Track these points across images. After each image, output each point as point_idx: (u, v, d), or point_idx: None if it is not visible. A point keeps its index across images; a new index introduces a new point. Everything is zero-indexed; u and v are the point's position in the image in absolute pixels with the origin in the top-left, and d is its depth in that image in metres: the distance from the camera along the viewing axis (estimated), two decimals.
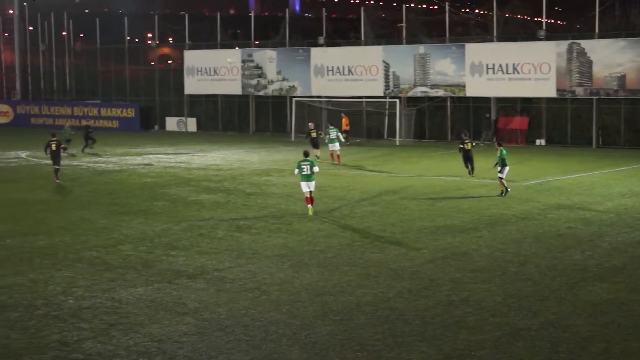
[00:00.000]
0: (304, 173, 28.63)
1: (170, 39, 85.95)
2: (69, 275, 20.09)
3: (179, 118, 70.87)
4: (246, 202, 31.57)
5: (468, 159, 38.14)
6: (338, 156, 44.33)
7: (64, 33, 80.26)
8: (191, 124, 69.80)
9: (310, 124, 49.34)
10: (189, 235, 24.98)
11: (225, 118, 69.23)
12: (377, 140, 58.53)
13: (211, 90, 68.78)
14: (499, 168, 32.08)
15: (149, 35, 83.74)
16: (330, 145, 44.44)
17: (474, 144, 39.83)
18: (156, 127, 71.84)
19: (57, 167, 37.41)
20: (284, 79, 64.48)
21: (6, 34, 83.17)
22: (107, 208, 30.24)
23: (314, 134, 46.72)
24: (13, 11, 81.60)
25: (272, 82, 65.11)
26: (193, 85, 69.37)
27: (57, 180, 37.08)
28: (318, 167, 29.68)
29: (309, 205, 28.68)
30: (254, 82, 66.11)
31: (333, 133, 44.61)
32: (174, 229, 25.97)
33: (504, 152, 32.04)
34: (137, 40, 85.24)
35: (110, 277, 19.88)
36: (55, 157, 37.39)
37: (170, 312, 17.02)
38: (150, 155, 49.37)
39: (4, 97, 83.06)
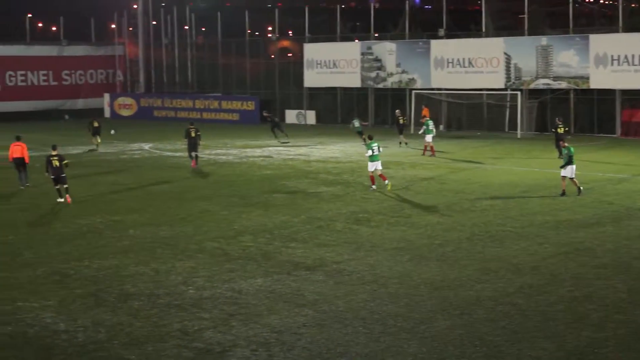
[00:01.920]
0: (374, 154, 31.97)
1: (290, 32, 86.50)
2: (190, 266, 20.42)
3: (298, 111, 71.22)
4: (365, 194, 31.53)
5: (559, 141, 39.41)
6: (432, 147, 44.18)
7: (186, 27, 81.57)
8: (310, 117, 70.08)
9: (397, 110, 52.37)
10: (307, 228, 25.09)
11: (344, 111, 69.28)
12: (497, 133, 57.72)
13: (330, 83, 68.90)
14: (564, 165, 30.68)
15: (269, 28, 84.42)
16: (427, 136, 44.34)
17: (566, 128, 42.98)
18: (276, 119, 72.34)
19: (195, 153, 40.07)
20: (403, 72, 64.11)
21: (130, 29, 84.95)
22: (227, 199, 30.61)
23: (401, 121, 49.64)
24: (137, 6, 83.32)
25: (391, 74, 64.82)
26: (312, 78, 69.62)
27: (195, 166, 39.79)
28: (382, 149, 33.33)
29: (386, 181, 32.02)
30: (373, 74, 65.94)
31: (431, 124, 44.77)
32: (293, 221, 26.13)
33: (572, 149, 30.55)
34: (257, 33, 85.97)
35: (230, 268, 20.12)
36: (193, 144, 40.04)
37: (289, 304, 17.13)
38: (270, 148, 49.76)
39: (128, 90, 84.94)
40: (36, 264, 20.82)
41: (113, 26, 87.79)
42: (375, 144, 32.25)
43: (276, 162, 42.22)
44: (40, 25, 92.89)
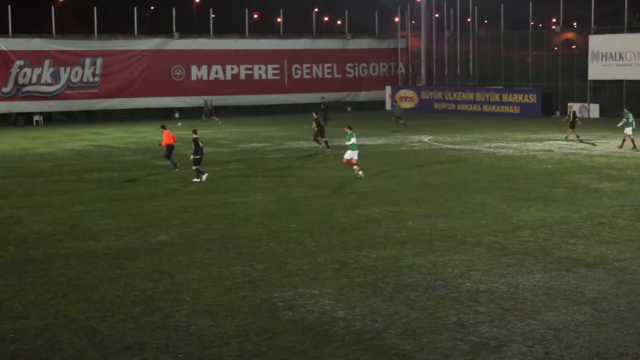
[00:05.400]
0: (353, 143, 34.84)
1: (574, 24, 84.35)
2: (467, 259, 20.36)
3: (581, 104, 69.43)
4: None
5: None
6: (632, 140, 43.81)
7: (469, 19, 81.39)
8: (594, 110, 68.12)
9: (570, 104, 53.38)
10: (588, 224, 24.41)
11: (630, 104, 66.75)
12: None
13: (616, 76, 66.67)
14: None
15: (553, 20, 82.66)
16: (626, 129, 44.11)
17: None
18: (557, 113, 70.86)
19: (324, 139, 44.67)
20: None
21: (413, 22, 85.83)
22: (506, 193, 30.30)
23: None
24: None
25: None
26: (597, 71, 67.61)
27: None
28: None
29: (355, 167, 34.80)
30: None
31: (631, 117, 44.58)
32: (573, 217, 25.50)
33: None
34: (540, 25, 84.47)
35: (508, 263, 19.90)
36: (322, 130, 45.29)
37: (567, 301, 16.73)
38: (551, 142, 48.82)
39: (409, 83, 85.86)
40: (317, 251, 21.41)
41: (396, 19, 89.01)
42: (354, 135, 35.11)
43: (557, 157, 41.35)
44: (326, 19, 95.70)
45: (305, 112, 68.71)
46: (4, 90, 71.08)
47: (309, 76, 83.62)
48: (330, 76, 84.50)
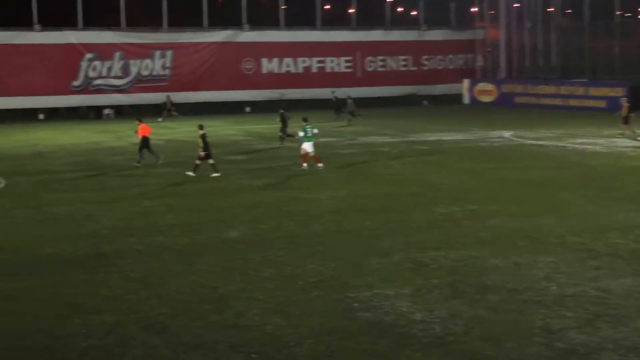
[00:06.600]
0: (307, 135, 35.49)
1: None
2: (551, 261, 19.47)
3: None
4: None
5: None
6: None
7: (550, 9, 79.72)
8: None
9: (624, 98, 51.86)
10: None
11: None
12: None
13: None
14: None
15: None
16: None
17: None
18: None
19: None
20: None
21: (491, 12, 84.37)
22: (593, 192, 29.15)
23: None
24: None
25: None
26: None
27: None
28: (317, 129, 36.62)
29: (319, 164, 35.52)
30: None
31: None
32: None
33: None
34: (629, 14, 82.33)
35: (596, 265, 18.98)
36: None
37: None
38: None
39: (488, 75, 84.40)
40: (392, 251, 20.76)
41: (474, 9, 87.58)
42: (310, 126, 35.68)
43: None
44: (400, 10, 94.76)
45: (379, 105, 68.04)
46: (75, 83, 71.69)
47: (383, 69, 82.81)
48: (405, 68, 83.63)
